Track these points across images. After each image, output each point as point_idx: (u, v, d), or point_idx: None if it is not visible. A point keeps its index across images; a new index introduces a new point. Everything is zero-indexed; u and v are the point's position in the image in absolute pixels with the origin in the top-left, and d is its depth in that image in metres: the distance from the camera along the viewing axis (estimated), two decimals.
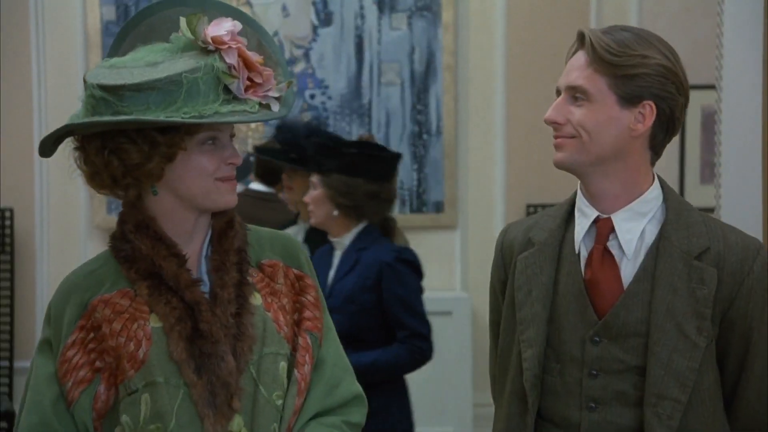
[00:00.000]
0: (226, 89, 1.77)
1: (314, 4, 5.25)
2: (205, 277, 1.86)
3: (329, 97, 5.24)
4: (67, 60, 5.16)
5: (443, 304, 5.18)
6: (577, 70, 1.91)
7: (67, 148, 1.86)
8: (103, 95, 1.75)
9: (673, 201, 1.97)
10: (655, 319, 1.89)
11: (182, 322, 1.80)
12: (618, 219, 1.93)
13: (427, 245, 5.32)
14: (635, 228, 1.93)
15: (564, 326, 1.95)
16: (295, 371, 1.88)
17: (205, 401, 1.79)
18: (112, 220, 5.19)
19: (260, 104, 1.80)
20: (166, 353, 1.80)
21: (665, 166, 5.04)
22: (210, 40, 1.77)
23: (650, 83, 1.89)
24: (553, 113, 1.92)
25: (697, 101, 5.09)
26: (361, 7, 5.25)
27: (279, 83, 1.83)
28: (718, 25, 2.99)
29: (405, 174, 5.28)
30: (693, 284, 1.89)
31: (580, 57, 1.92)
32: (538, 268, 1.98)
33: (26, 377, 1.88)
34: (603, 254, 1.94)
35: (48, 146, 1.82)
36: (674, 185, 5.08)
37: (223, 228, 1.89)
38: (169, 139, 1.78)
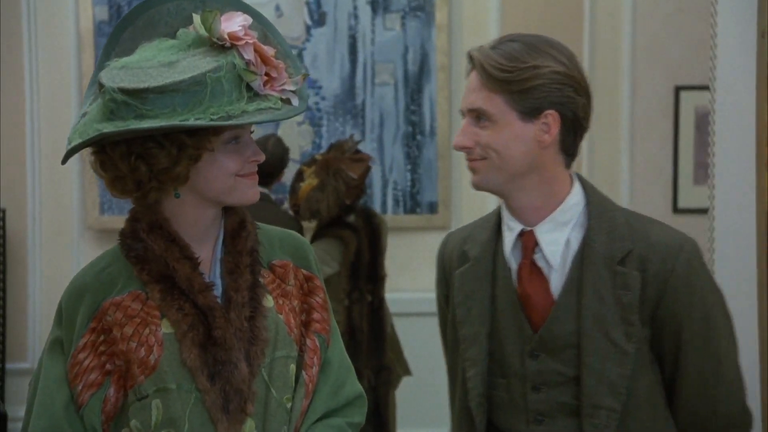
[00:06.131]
0: (248, 86, 1.74)
1: (307, 4, 5.24)
2: (218, 281, 1.83)
3: (323, 98, 5.23)
4: (59, 60, 5.14)
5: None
6: (474, 92, 1.89)
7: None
8: (125, 99, 1.69)
9: (595, 204, 1.94)
10: (585, 329, 1.88)
11: (195, 328, 1.78)
12: (540, 231, 1.92)
13: (420, 246, 5.31)
14: (559, 238, 1.91)
15: (504, 341, 1.94)
16: (303, 373, 1.87)
17: (219, 407, 1.78)
18: (105, 221, 5.18)
19: (281, 99, 1.78)
20: (178, 360, 1.78)
21: (659, 166, 5.03)
22: (226, 37, 1.73)
23: (547, 93, 1.86)
24: (460, 138, 1.92)
25: (690, 102, 5.11)
26: (355, 8, 5.24)
27: (291, 76, 1.81)
28: (711, 26, 2.99)
29: (399, 174, 5.27)
30: (618, 290, 1.87)
31: (475, 78, 1.89)
32: (475, 285, 1.98)
33: (32, 377, 1.85)
34: (531, 268, 1.92)
35: (74, 154, 1.76)
36: (667, 186, 5.07)
37: (236, 228, 1.87)
38: (197, 141, 1.74)
